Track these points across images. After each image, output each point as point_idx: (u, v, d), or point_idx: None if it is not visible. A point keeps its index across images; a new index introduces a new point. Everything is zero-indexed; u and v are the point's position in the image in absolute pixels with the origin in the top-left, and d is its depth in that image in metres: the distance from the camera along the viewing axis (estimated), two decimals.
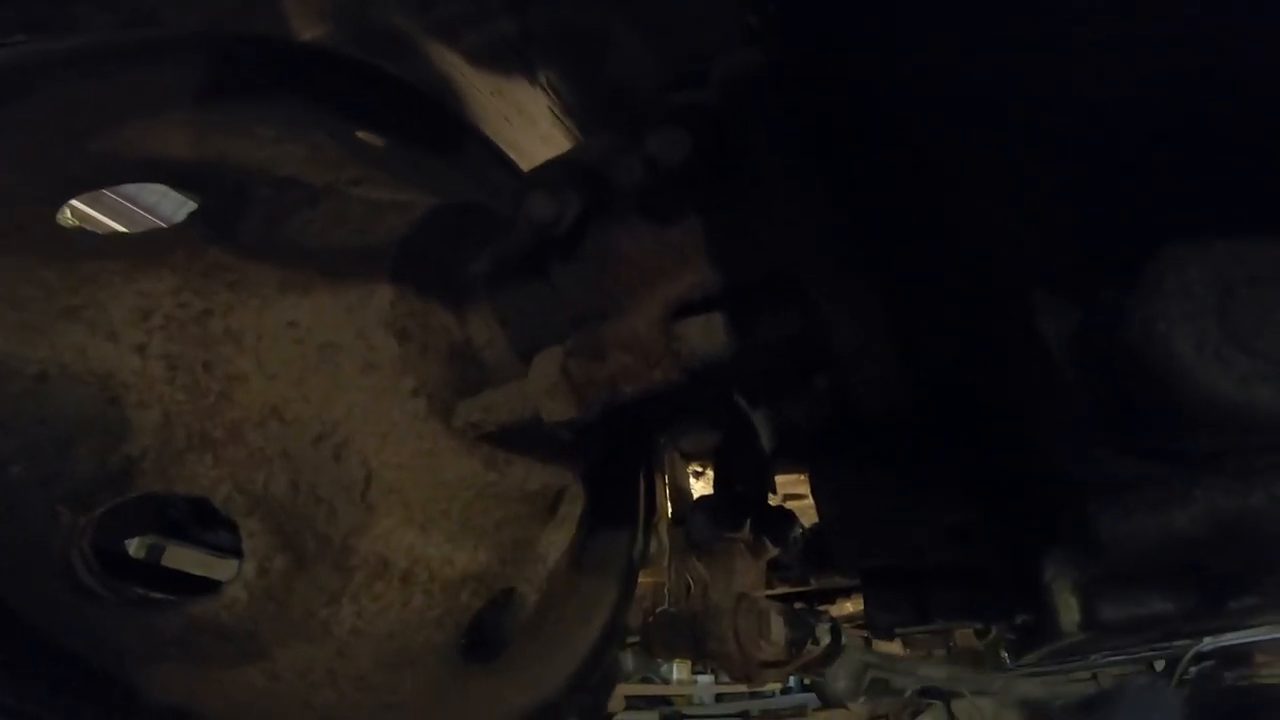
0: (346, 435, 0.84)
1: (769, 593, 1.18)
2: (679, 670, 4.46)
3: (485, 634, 0.99)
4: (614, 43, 1.19)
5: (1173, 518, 0.49)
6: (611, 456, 1.18)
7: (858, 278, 0.66)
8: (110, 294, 0.76)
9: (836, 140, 0.65)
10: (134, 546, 1.30)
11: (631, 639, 1.17)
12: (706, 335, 0.71)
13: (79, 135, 0.79)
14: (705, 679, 4.42)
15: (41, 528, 0.70)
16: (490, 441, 0.89)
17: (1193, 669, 2.32)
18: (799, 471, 1.38)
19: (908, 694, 1.81)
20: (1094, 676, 2.59)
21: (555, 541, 1.07)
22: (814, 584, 1.18)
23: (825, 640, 1.06)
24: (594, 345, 0.76)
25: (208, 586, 0.89)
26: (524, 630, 1.02)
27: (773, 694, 4.55)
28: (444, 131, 1.17)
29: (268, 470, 0.81)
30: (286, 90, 0.96)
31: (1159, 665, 2.65)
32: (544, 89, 1.29)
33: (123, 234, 0.81)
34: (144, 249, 0.79)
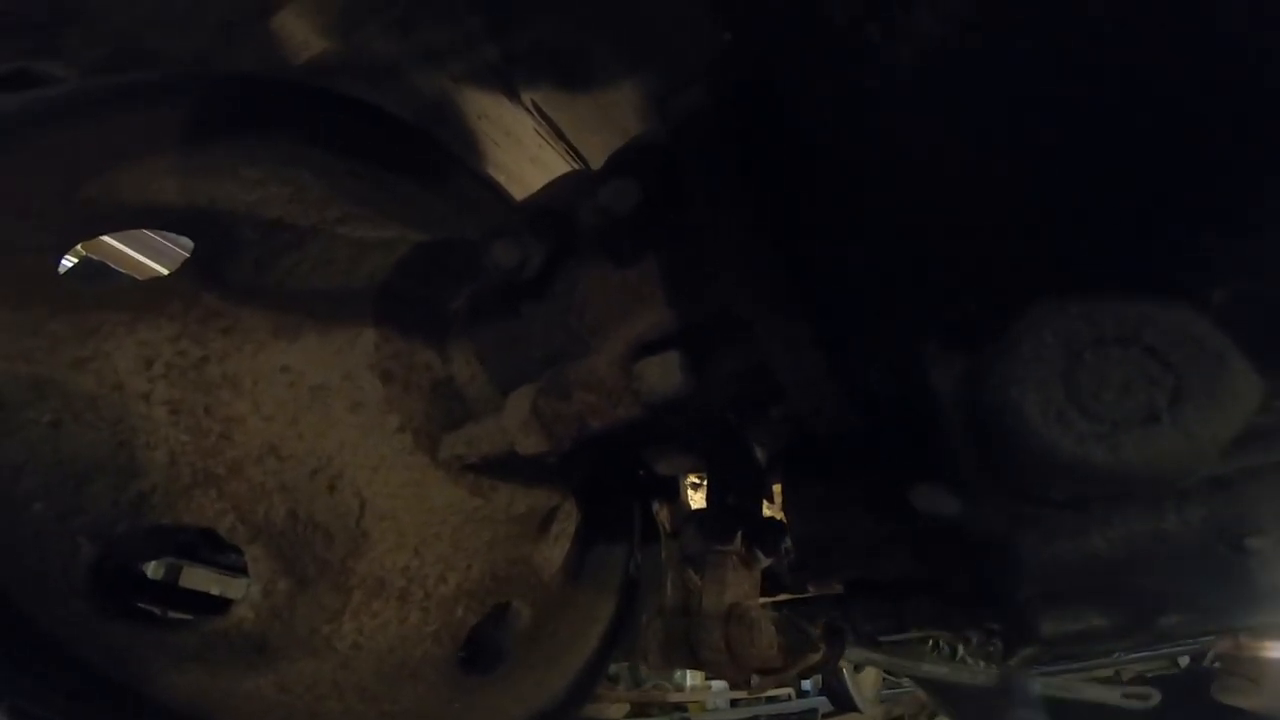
0: (339, 469, 0.90)
1: (771, 601, 1.20)
2: (693, 677, 4.50)
3: (483, 647, 1.04)
4: (594, 64, 1.21)
5: (1090, 543, 0.51)
6: (605, 473, 1.22)
7: (795, 316, 0.69)
8: (114, 344, 0.82)
9: (773, 181, 0.67)
10: (152, 568, 1.40)
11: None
12: (663, 375, 0.74)
13: (71, 185, 0.84)
14: (719, 685, 4.45)
15: (64, 556, 0.76)
16: (475, 470, 0.94)
17: (1216, 664, 2.28)
18: None
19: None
20: (1116, 673, 2.55)
21: (549, 557, 1.12)
22: (812, 591, 1.20)
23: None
24: (561, 385, 0.80)
25: (221, 605, 0.96)
26: (521, 643, 1.07)
27: (788, 698, 4.56)
28: (430, 161, 1.21)
29: (268, 502, 0.87)
30: (271, 128, 1.00)
31: (1183, 661, 2.59)
32: (529, 111, 1.33)
33: (122, 285, 0.87)
34: (143, 299, 0.85)
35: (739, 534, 1.15)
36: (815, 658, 0.97)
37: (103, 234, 0.94)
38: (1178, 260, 0.40)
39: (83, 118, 0.88)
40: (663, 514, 1.27)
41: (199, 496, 0.84)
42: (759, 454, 1.20)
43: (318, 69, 1.24)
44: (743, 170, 0.70)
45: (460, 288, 0.96)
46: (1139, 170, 0.40)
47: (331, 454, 0.89)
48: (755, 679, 0.96)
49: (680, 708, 4.49)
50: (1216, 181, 0.40)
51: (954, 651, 1.32)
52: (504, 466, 0.95)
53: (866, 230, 0.53)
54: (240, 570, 0.90)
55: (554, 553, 1.11)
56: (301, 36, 1.23)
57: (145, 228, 0.95)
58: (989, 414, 0.41)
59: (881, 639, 0.90)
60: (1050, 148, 0.39)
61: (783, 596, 1.16)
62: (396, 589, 0.95)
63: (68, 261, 1.03)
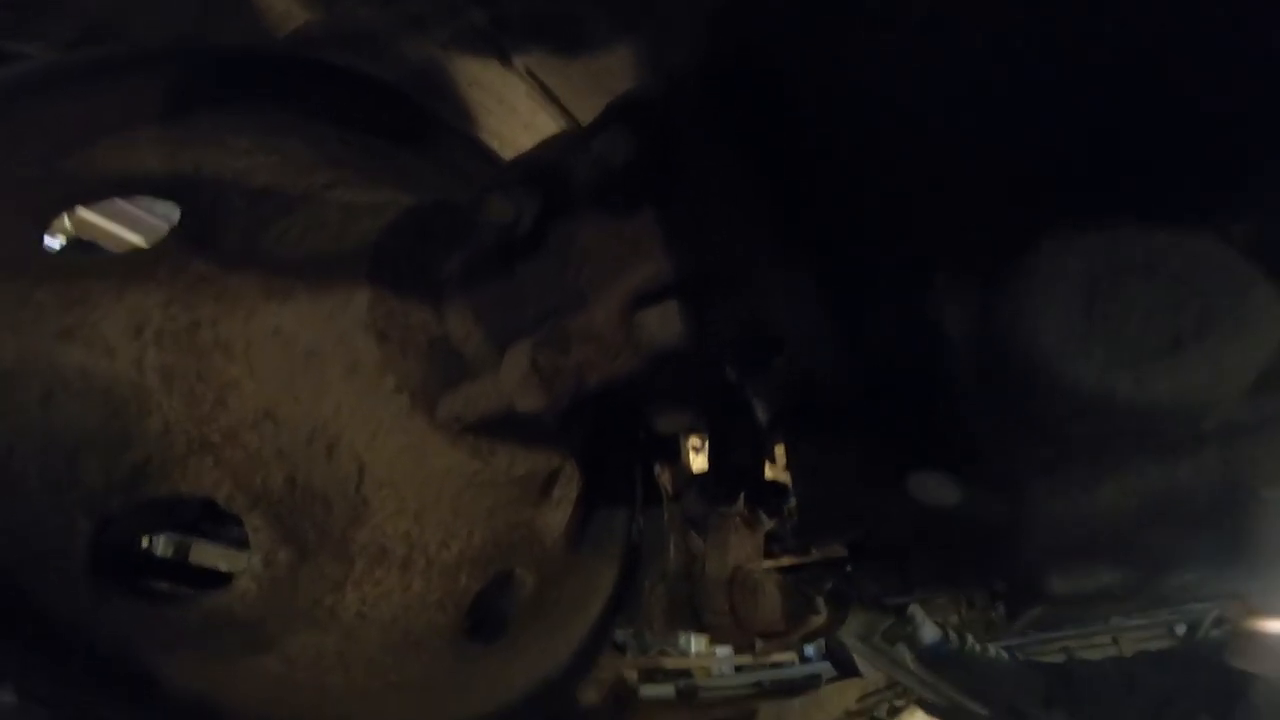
0: (337, 433, 0.88)
1: (775, 565, 1.20)
2: (698, 643, 4.53)
3: (487, 615, 1.04)
4: (586, 28, 1.18)
5: (1103, 494, 0.49)
6: (606, 437, 1.21)
7: (795, 263, 0.67)
8: (103, 312, 0.80)
9: (771, 132, 0.65)
10: (161, 545, 1.39)
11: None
12: (662, 324, 0.72)
13: (53, 157, 0.82)
14: (724, 651, 4.49)
15: (61, 532, 0.75)
16: (474, 432, 0.92)
17: (1214, 631, 2.28)
18: None
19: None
20: (1115, 640, 2.56)
21: (551, 523, 1.11)
22: (816, 554, 1.19)
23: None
24: (559, 338, 0.78)
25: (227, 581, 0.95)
26: (525, 610, 1.07)
27: (792, 664, 4.61)
28: (418, 127, 1.19)
29: (265, 469, 0.85)
30: (256, 98, 0.98)
31: (1180, 629, 2.60)
32: (521, 76, 1.30)
33: (110, 254, 0.85)
34: (131, 266, 0.84)
35: (741, 496, 1.14)
36: (819, 621, 0.97)
37: (85, 203, 0.91)
38: (1199, 191, 0.39)
39: (62, 91, 0.86)
40: (664, 477, 1.26)
41: (195, 465, 0.82)
42: (760, 413, 1.19)
43: (303, 41, 1.21)
44: (738, 118, 0.68)
45: (453, 250, 0.94)
46: (1156, 101, 0.39)
47: (328, 418, 0.87)
48: (759, 643, 0.96)
49: (685, 673, 4.53)
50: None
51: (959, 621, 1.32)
52: (503, 428, 0.94)
53: (871, 165, 0.51)
54: (246, 545, 0.90)
55: (556, 518, 1.10)
56: (283, 7, 1.19)
57: (130, 195, 0.93)
58: (1005, 349, 0.40)
59: (887, 601, 0.90)
60: (1063, 68, 0.37)
61: (786, 560, 1.16)
62: (398, 557, 0.94)
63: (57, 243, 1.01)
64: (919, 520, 0.78)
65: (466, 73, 1.31)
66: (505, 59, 1.28)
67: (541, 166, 0.80)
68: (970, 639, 1.30)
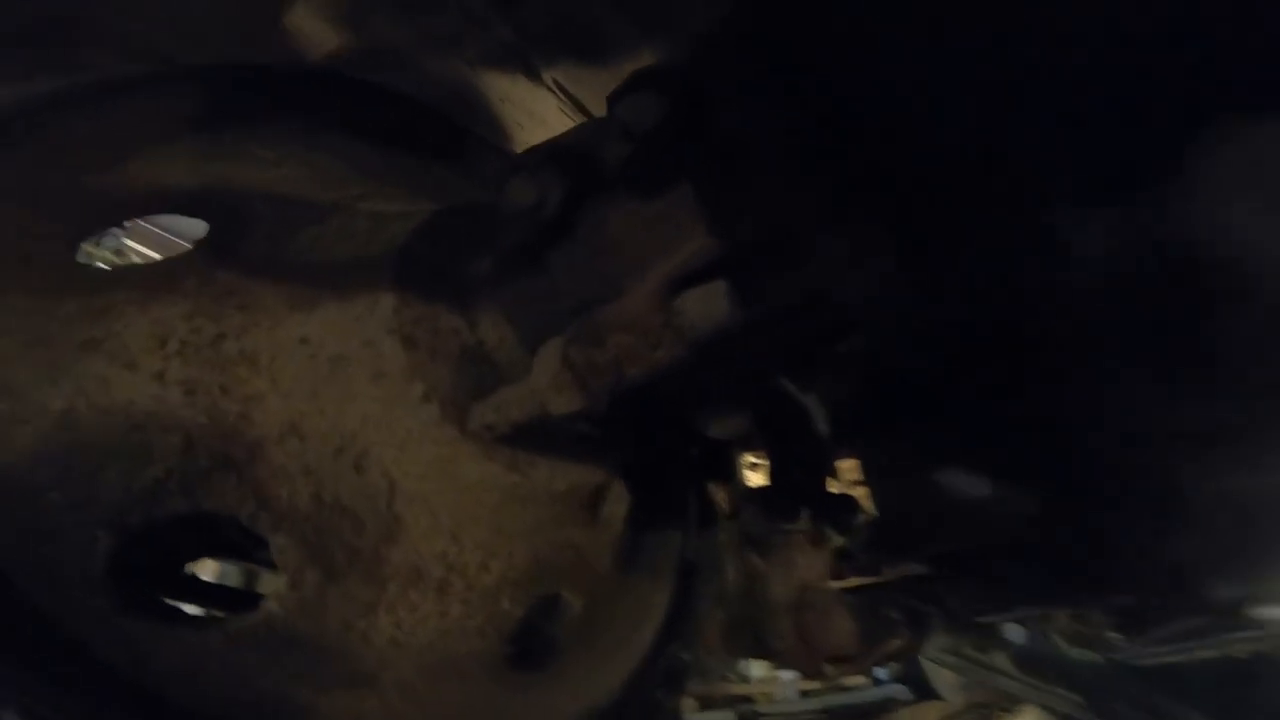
0: (365, 446, 0.83)
1: (844, 585, 1.09)
2: (759, 668, 4.27)
3: (532, 642, 0.96)
4: (609, 35, 1.15)
5: (1271, 474, 0.39)
6: (655, 452, 1.13)
7: (859, 222, 0.59)
8: (126, 324, 0.78)
9: (825, 77, 0.58)
10: (233, 575, 1.37)
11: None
12: (706, 305, 0.65)
13: (86, 173, 0.82)
14: (788, 675, 4.20)
15: (81, 549, 0.72)
16: (509, 443, 0.86)
17: None
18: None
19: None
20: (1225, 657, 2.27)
21: (599, 544, 1.03)
22: (890, 573, 1.08)
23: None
24: (593, 330, 0.72)
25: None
26: (572, 637, 0.99)
27: (863, 688, 4.30)
28: (453, 142, 1.17)
29: (290, 486, 0.81)
30: (287, 115, 0.98)
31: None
32: (551, 90, 1.28)
33: (135, 265, 0.84)
34: (155, 278, 0.82)
35: (805, 511, 1.04)
36: (896, 644, 0.86)
37: (118, 221, 0.91)
38: None
39: (94, 109, 0.86)
40: (720, 495, 1.18)
41: (218, 482, 0.78)
42: (821, 424, 1.10)
43: (337, 64, 1.22)
44: (784, 69, 0.62)
45: (483, 252, 0.89)
46: None
47: (355, 430, 0.83)
48: (829, 668, 0.85)
49: (746, 699, 4.28)
50: None
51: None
52: (541, 438, 0.88)
53: (960, 96, 0.43)
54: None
55: (604, 539, 1.03)
56: (315, 33, 1.21)
57: (160, 212, 0.92)
58: (1182, 248, 0.32)
59: (979, 619, 0.78)
60: None
61: (856, 581, 1.05)
62: (435, 579, 0.88)
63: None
64: (1021, 526, 0.68)
65: (497, 89, 1.29)
66: (533, 73, 1.26)
67: (565, 147, 0.75)
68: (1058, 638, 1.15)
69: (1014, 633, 1.13)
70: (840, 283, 0.62)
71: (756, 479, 1.29)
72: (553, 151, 0.74)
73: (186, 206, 0.90)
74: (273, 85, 1.00)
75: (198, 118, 0.91)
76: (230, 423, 0.80)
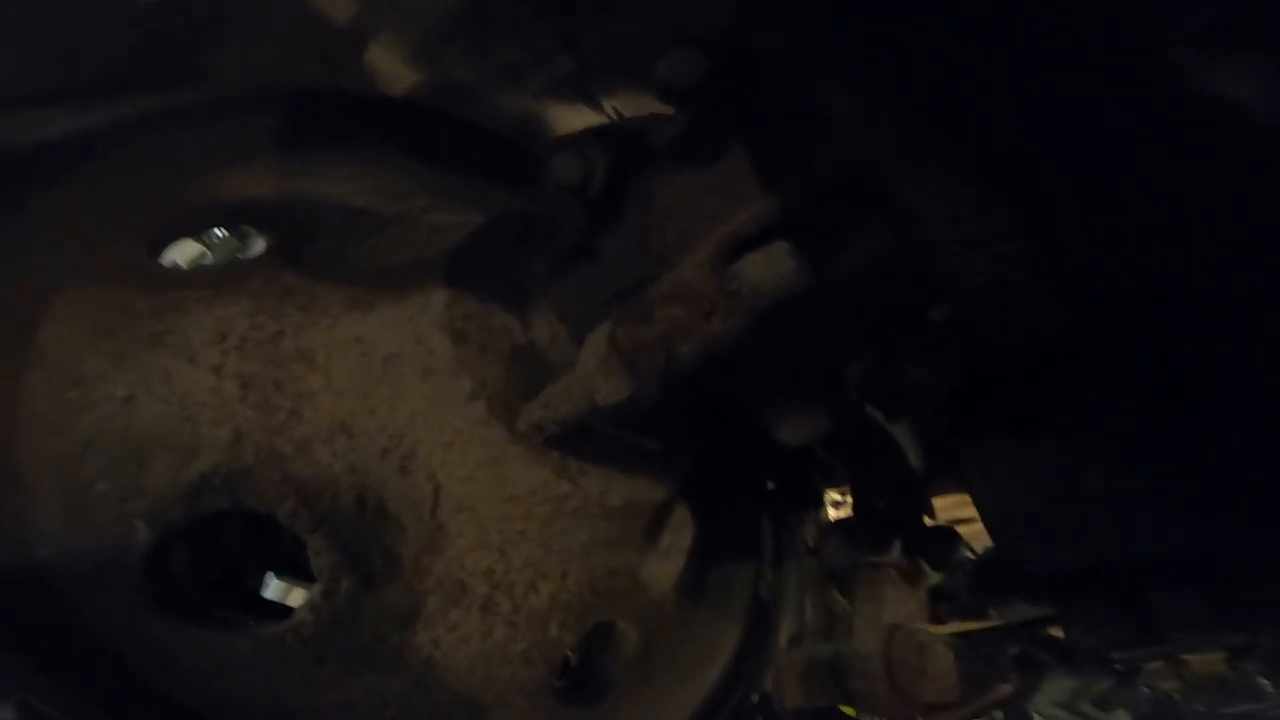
0: (412, 446, 0.80)
1: (944, 630, 0.95)
2: None
3: (584, 675, 0.88)
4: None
5: None
6: (724, 477, 1.04)
7: (956, 159, 0.51)
8: (192, 319, 0.80)
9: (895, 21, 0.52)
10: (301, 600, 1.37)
11: None
12: (770, 265, 0.59)
13: (175, 183, 0.86)
14: None
15: (120, 542, 0.71)
16: (561, 448, 0.81)
17: None
18: (959, 489, 1.15)
19: None
20: None
21: (660, 573, 0.94)
22: (994, 618, 0.92)
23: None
24: (640, 307, 0.67)
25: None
26: (629, 671, 0.89)
27: None
28: (517, 167, 1.18)
29: (334, 486, 0.78)
30: (361, 137, 1.01)
31: None
32: (611, 117, 1.29)
33: (207, 266, 0.86)
34: (224, 277, 0.84)
35: (897, 543, 0.92)
36: (1005, 690, 0.71)
37: (201, 230, 0.95)
38: None
39: (185, 125, 0.92)
40: (806, 531, 1.07)
41: (261, 477, 0.76)
42: (914, 454, 0.98)
43: (414, 100, 1.28)
44: (839, 18, 0.56)
45: (536, 255, 0.87)
46: None
47: (403, 430, 0.80)
48: (923, 716, 0.72)
49: None
50: None
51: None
52: (594, 446, 0.82)
53: None
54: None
55: (666, 569, 0.94)
56: (393, 70, 1.28)
57: (239, 223, 0.96)
58: None
59: (1117, 655, 0.64)
60: None
61: (957, 626, 0.91)
62: (479, 596, 0.82)
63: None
64: (1174, 543, 0.54)
65: (560, 120, 1.32)
66: (594, 102, 1.28)
67: (612, 127, 0.72)
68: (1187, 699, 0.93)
69: (1142, 696, 0.94)
70: (927, 233, 0.54)
71: (839, 515, 1.17)
72: (599, 130, 0.71)
73: (262, 218, 0.93)
74: (348, 109, 1.04)
75: (278, 136, 0.95)
76: (281, 419, 0.79)
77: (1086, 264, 0.48)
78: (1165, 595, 0.58)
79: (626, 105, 1.26)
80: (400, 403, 0.80)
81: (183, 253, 1.09)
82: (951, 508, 1.26)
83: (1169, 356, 0.47)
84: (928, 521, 1.01)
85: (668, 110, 0.72)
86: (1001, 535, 0.63)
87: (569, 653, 0.87)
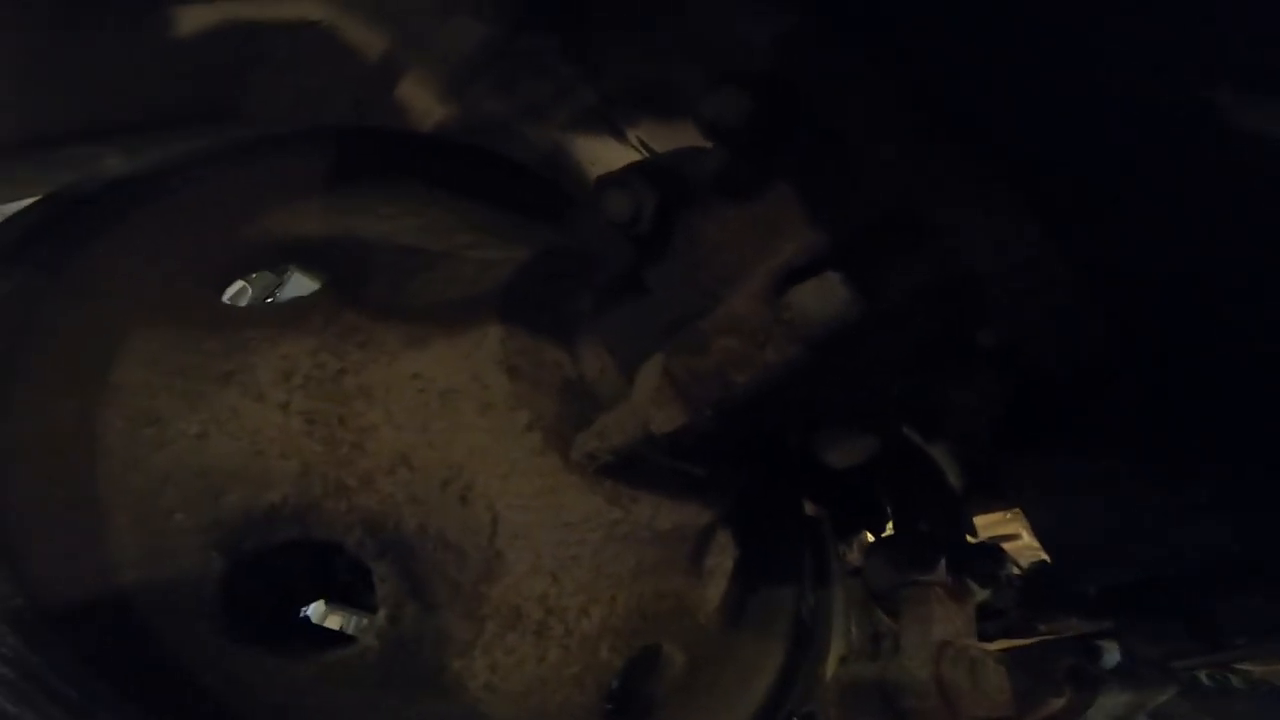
0: (470, 478, 0.83)
1: (993, 647, 0.96)
2: None
3: (631, 697, 0.90)
4: (686, 91, 1.20)
5: None
6: (766, 503, 1.07)
7: (999, 190, 0.54)
8: (259, 358, 0.83)
9: (931, 53, 0.56)
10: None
11: None
12: (822, 295, 0.61)
13: (238, 221, 0.90)
14: None
15: (195, 570, 0.74)
16: (612, 476, 0.84)
17: None
18: (1001, 507, 1.17)
19: None
20: None
21: (705, 595, 0.97)
22: (1045, 632, 0.93)
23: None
24: (694, 339, 0.70)
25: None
26: (675, 693, 0.91)
27: None
28: (554, 203, 1.22)
29: (397, 515, 0.81)
30: (404, 175, 1.05)
31: None
32: (636, 149, 1.33)
33: (269, 304, 0.90)
34: (287, 316, 0.87)
35: (942, 561, 0.94)
36: (1058, 704, 0.73)
37: (258, 268, 0.99)
38: None
39: (240, 164, 0.96)
40: (850, 557, 1.08)
41: (329, 508, 0.80)
42: (954, 475, 1.01)
43: (444, 131, 1.33)
44: (877, 61, 0.60)
45: (582, 290, 0.90)
46: None
47: (462, 462, 0.83)
48: None
49: None
50: None
51: None
52: (644, 473, 0.85)
53: None
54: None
55: (710, 590, 0.96)
56: (423, 105, 1.33)
57: (292, 263, 1.00)
58: None
59: (1177, 665, 0.65)
60: None
61: (1005, 643, 0.92)
62: (534, 621, 0.84)
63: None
64: (1233, 544, 0.56)
65: (587, 152, 1.36)
66: (619, 133, 1.32)
67: (656, 164, 0.75)
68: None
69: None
70: (974, 260, 0.57)
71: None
72: (644, 167, 0.75)
73: (314, 257, 0.97)
74: (391, 147, 1.09)
75: (328, 176, 0.99)
76: (345, 452, 0.82)
77: (1132, 287, 0.51)
78: (1227, 601, 0.60)
79: (651, 136, 1.30)
80: (458, 436, 0.84)
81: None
82: (991, 526, 1.28)
83: (1216, 366, 0.50)
84: (970, 540, 1.03)
85: (701, 143, 0.76)
86: (1057, 551, 0.65)
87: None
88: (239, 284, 1.33)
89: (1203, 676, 1.25)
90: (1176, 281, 0.49)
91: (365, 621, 0.93)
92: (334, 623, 1.51)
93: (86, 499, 0.75)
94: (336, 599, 1.06)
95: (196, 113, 1.13)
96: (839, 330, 0.61)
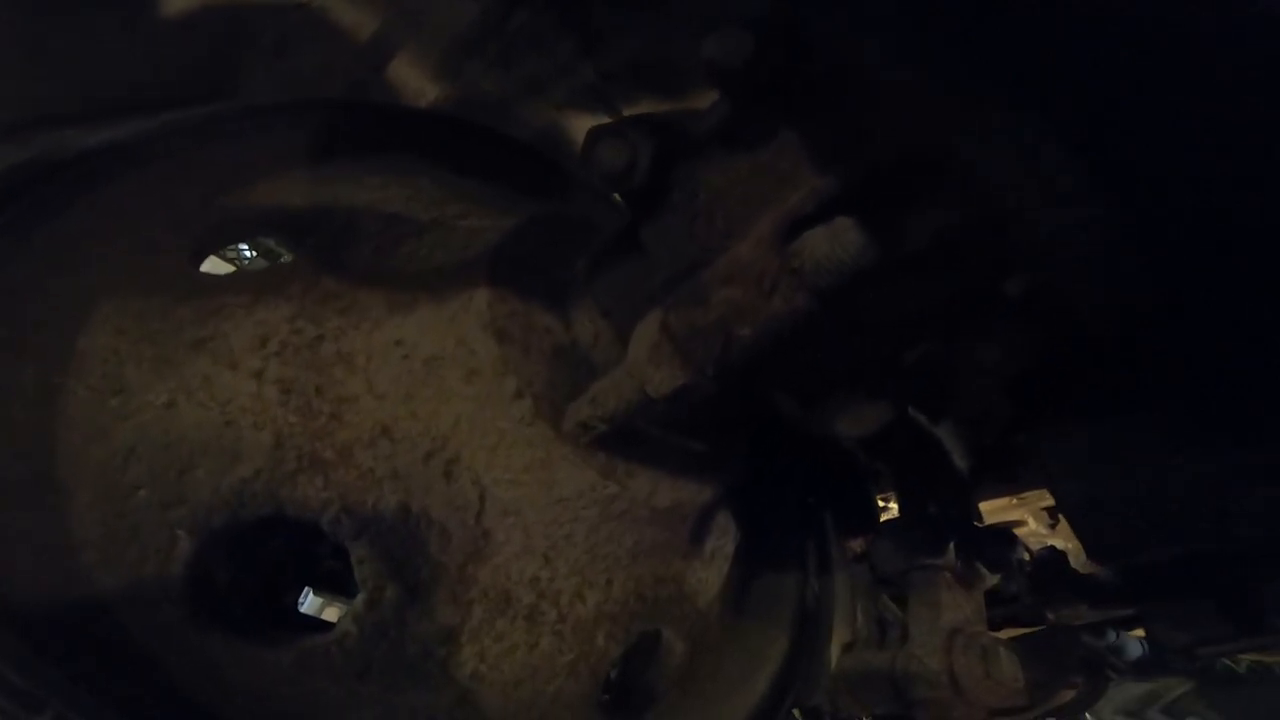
0: (456, 450, 0.78)
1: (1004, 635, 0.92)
2: None
3: (630, 686, 0.85)
4: (682, 70, 1.16)
5: None
6: (773, 486, 1.02)
7: (1031, 119, 0.50)
8: (233, 324, 0.79)
9: None
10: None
11: None
12: (833, 240, 0.57)
13: (215, 191, 0.86)
14: None
15: (161, 551, 0.69)
16: (608, 450, 0.79)
17: None
18: (1008, 491, 1.12)
19: None
20: None
21: (705, 580, 0.92)
22: (1057, 619, 0.88)
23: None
24: (694, 292, 0.65)
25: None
26: (675, 683, 0.86)
27: None
28: (547, 177, 1.17)
29: (377, 491, 0.76)
30: (394, 148, 1.01)
31: None
32: None
33: (247, 271, 0.85)
34: (264, 282, 0.83)
35: (951, 545, 0.89)
36: (1071, 694, 0.68)
37: (239, 238, 0.94)
38: None
39: (222, 136, 0.91)
40: (853, 543, 1.04)
41: (303, 483, 0.75)
42: (959, 456, 0.96)
43: (440, 111, 1.29)
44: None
45: (575, 257, 0.86)
46: None
47: (447, 433, 0.78)
48: None
49: None
50: None
51: None
52: (640, 445, 0.80)
53: None
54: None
55: (710, 575, 0.91)
56: (416, 84, 1.29)
57: (274, 235, 0.95)
58: None
59: (1203, 651, 0.60)
60: None
61: (1016, 631, 0.87)
62: (524, 606, 0.79)
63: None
64: (1269, 507, 0.52)
65: (583, 130, 1.32)
66: (616, 112, 1.29)
67: (653, 116, 0.70)
68: None
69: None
70: (1003, 198, 0.52)
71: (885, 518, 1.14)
72: (640, 118, 0.70)
73: (297, 227, 0.92)
74: (378, 120, 1.04)
75: (312, 147, 0.95)
76: (322, 423, 0.77)
77: (1176, 225, 0.47)
78: (1274, 580, 0.55)
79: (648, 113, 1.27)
80: (444, 405, 0.79)
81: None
82: (996, 513, 1.23)
83: (1267, 323, 0.46)
84: (979, 525, 0.98)
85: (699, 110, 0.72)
86: (1086, 525, 0.60)
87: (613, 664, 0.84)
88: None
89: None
90: (1223, 208, 0.44)
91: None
92: (332, 615, 1.45)
93: (44, 474, 0.70)
94: (323, 586, 1.01)
95: (190, 96, 1.09)
96: (852, 279, 0.57)
